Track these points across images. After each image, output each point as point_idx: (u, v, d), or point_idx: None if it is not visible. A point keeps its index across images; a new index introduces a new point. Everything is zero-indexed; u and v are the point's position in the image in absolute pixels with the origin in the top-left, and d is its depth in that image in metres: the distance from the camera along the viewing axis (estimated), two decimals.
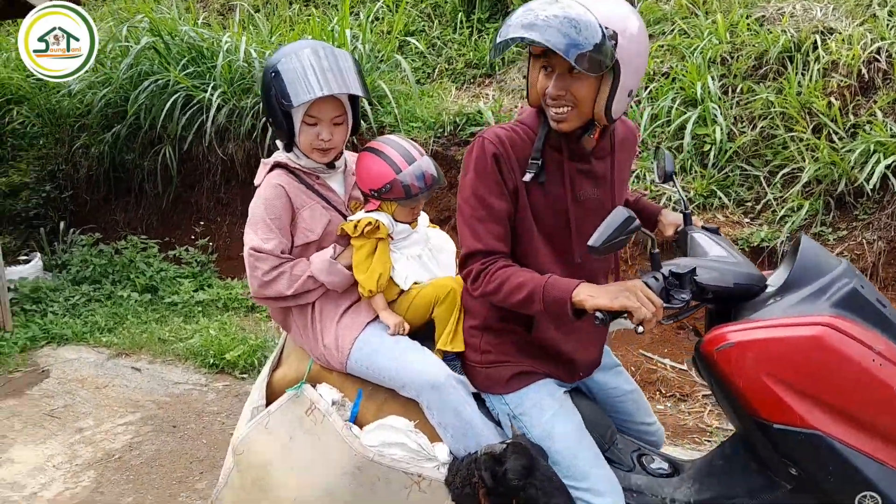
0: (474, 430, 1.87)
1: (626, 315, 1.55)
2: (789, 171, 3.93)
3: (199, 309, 5.09)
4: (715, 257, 1.86)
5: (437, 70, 5.97)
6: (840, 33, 4.14)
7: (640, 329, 1.55)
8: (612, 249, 1.57)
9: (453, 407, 1.86)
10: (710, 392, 3.51)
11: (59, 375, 4.10)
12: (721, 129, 4.21)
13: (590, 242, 1.53)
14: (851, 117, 3.85)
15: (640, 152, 4.52)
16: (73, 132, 6.66)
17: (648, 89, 4.70)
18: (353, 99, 2.02)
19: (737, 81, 4.47)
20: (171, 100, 5.64)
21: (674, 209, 2.40)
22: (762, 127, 4.18)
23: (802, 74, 4.15)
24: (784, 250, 3.77)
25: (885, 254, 3.57)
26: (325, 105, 1.92)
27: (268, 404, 2.03)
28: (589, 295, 1.58)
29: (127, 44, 6.13)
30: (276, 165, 2.02)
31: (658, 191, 4.23)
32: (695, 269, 1.67)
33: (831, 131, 3.82)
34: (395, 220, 2.04)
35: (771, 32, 4.47)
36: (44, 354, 4.42)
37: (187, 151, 5.90)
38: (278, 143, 2.05)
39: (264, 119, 5.36)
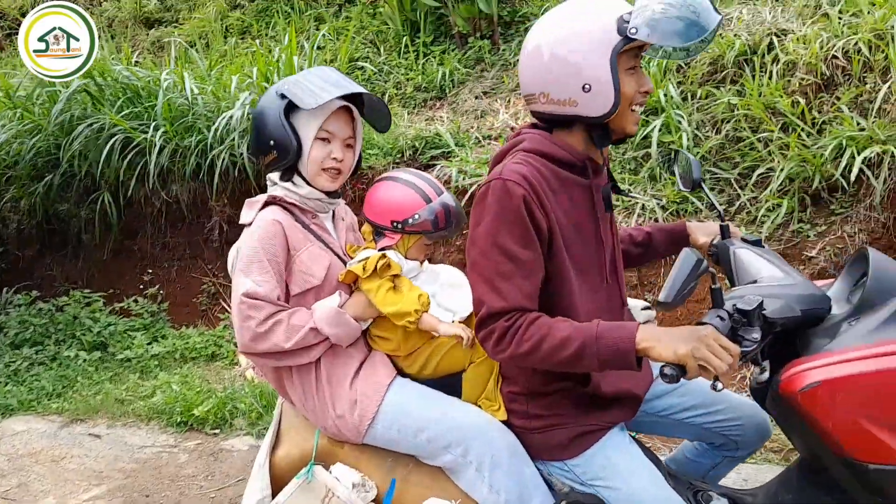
0: (532, 491, 1.65)
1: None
2: (762, 171, 3.92)
3: (156, 363, 4.75)
4: (770, 279, 1.69)
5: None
6: (794, 34, 4.19)
7: (720, 385, 1.38)
8: (683, 300, 1.39)
9: (509, 465, 1.64)
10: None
11: (9, 451, 3.70)
12: (687, 135, 4.19)
13: (661, 298, 1.37)
14: (816, 114, 3.87)
15: None
16: None
17: None
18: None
19: (694, 87, 4.47)
20: (109, 144, 5.30)
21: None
22: (727, 130, 4.17)
23: (762, 76, 4.17)
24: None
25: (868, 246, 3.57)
26: (340, 120, 1.81)
27: (273, 492, 1.78)
28: (653, 343, 1.39)
29: (55, 88, 5.75)
30: (270, 202, 1.81)
31: (631, 201, 4.16)
32: (762, 301, 1.48)
33: (799, 130, 3.83)
34: (407, 258, 1.86)
35: (724, 37, 4.50)
36: None
37: (127, 196, 5.56)
38: (271, 176, 1.87)
39: (211, 156, 5.08)
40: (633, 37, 1.43)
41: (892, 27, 3.66)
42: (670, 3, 1.41)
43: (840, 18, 4.05)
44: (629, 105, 1.54)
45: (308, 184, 1.84)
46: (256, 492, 1.78)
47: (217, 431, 3.72)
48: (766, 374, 1.65)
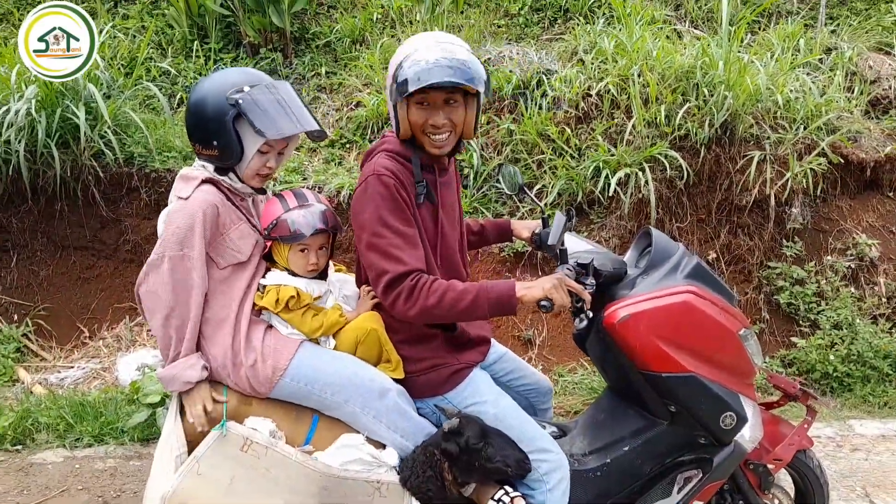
0: (421, 427, 2.05)
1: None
2: (538, 187, 4.65)
3: None
4: (587, 249, 2.28)
5: (176, 99, 5.70)
6: (558, 74, 5.02)
7: (588, 309, 1.99)
8: (559, 242, 1.99)
9: (402, 409, 2.01)
10: None
11: None
12: (476, 156, 4.79)
13: (550, 242, 1.95)
14: (578, 141, 4.70)
15: None
16: None
17: None
18: None
19: None
20: None
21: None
22: (507, 152, 4.86)
23: (533, 108, 4.92)
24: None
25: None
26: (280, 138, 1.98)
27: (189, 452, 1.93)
28: (527, 290, 1.88)
29: None
30: (207, 181, 1.98)
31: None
32: (593, 259, 2.09)
33: (566, 154, 4.63)
34: (291, 272, 2.07)
35: (501, 72, 5.22)
36: None
37: None
38: (206, 164, 2.01)
39: None
40: None
41: (633, 74, 4.61)
42: None
43: (592, 64, 4.96)
44: (419, 132, 1.97)
45: (240, 180, 2.03)
46: (175, 449, 1.89)
47: (19, 448, 3.44)
48: (585, 323, 2.25)
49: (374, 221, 1.87)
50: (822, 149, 4.52)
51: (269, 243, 2.06)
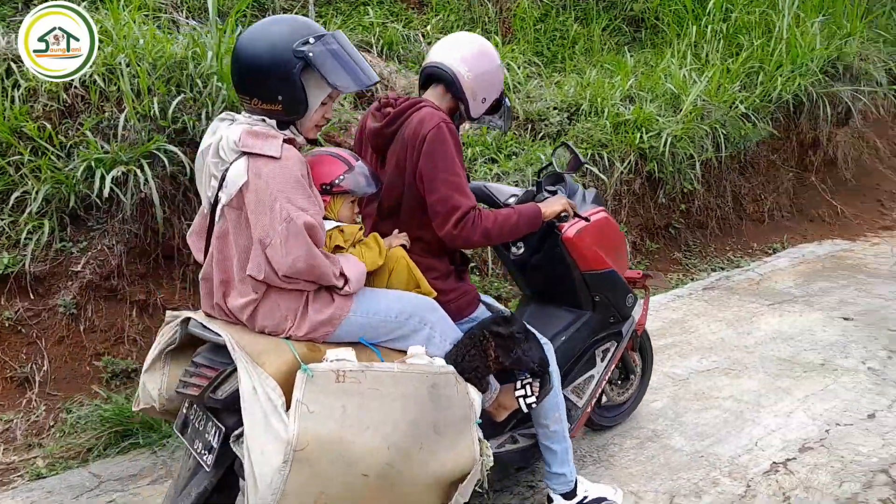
0: (457, 336, 2.36)
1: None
2: (17, 194, 3.93)
3: None
4: (517, 189, 3.13)
5: None
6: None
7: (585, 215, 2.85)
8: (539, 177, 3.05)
9: (449, 321, 2.35)
10: None
11: None
12: None
13: (569, 171, 3.01)
14: (64, 139, 4.12)
15: None
16: None
17: None
18: None
19: None
20: None
21: None
22: None
23: (4, 101, 4.14)
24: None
25: (125, 255, 4.05)
26: None
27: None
28: (547, 207, 2.57)
29: None
30: (287, 141, 1.98)
31: None
32: (559, 188, 2.94)
33: (50, 153, 4.01)
34: (339, 220, 2.26)
35: None
36: None
37: None
38: (267, 119, 2.03)
39: None
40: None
41: (121, 63, 4.21)
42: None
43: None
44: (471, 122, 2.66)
45: (298, 132, 2.09)
46: (269, 402, 1.84)
47: None
48: (522, 249, 2.88)
49: (452, 161, 2.29)
50: None
51: (327, 198, 2.18)
